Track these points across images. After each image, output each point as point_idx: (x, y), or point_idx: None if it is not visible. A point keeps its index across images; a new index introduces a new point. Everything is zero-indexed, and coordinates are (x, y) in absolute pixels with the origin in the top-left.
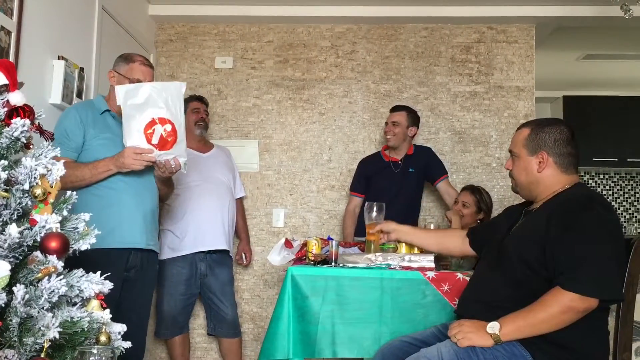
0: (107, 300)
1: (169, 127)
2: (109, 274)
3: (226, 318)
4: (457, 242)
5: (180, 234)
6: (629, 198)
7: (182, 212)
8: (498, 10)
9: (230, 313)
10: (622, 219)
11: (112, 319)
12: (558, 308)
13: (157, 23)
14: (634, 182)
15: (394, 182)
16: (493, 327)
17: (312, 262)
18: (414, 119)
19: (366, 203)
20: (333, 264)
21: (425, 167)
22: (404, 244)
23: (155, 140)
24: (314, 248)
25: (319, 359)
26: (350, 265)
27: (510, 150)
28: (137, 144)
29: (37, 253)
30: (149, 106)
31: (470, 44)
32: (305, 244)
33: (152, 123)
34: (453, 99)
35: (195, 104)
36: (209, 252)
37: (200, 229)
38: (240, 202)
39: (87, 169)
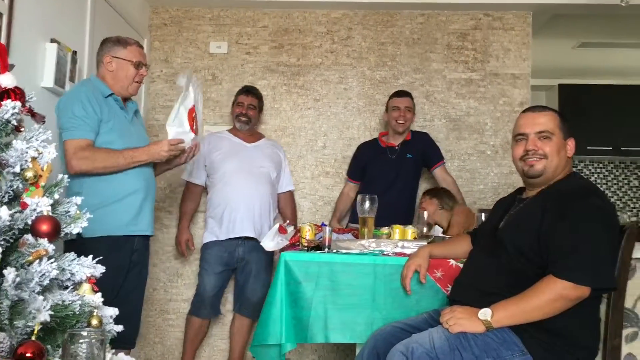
0: (112, 285)
1: (197, 114)
2: (118, 260)
3: (252, 299)
4: (467, 247)
5: (218, 220)
6: (623, 187)
7: (219, 199)
8: None
9: (257, 296)
10: (615, 208)
11: (113, 301)
12: (550, 296)
13: (151, 7)
14: (628, 171)
15: (391, 168)
16: (485, 313)
17: (306, 248)
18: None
19: (358, 196)
20: (326, 249)
21: (423, 153)
22: (397, 230)
23: (195, 126)
24: (308, 234)
25: (312, 344)
26: (344, 251)
27: (540, 131)
28: (179, 128)
29: (28, 236)
30: (190, 93)
31: (466, 30)
32: (299, 230)
33: (192, 110)
34: (448, 86)
35: (240, 97)
36: (245, 238)
37: (232, 215)
38: (290, 195)
39: (122, 159)
